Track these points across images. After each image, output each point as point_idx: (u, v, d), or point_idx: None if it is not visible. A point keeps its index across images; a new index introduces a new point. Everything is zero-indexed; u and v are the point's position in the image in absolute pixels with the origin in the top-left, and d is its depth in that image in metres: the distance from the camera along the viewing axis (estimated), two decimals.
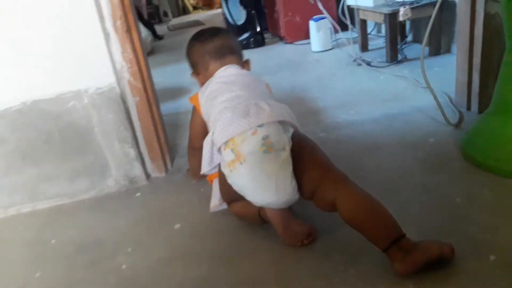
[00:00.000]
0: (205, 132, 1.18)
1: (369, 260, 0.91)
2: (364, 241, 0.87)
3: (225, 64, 1.22)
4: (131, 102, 1.37)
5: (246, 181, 0.98)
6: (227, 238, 1.10)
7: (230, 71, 1.20)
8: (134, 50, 1.33)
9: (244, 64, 1.28)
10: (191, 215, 1.22)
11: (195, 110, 1.23)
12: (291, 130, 1.04)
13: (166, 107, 2.07)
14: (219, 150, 1.05)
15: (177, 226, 1.19)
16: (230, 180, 1.01)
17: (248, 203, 1.04)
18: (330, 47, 2.93)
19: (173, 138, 1.74)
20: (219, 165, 1.09)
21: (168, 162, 1.51)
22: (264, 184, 0.96)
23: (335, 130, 1.62)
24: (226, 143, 1.02)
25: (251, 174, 0.97)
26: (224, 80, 1.18)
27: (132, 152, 1.39)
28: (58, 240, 1.22)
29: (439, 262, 0.84)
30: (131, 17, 1.31)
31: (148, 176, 1.46)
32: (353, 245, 0.96)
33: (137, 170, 1.42)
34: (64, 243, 1.21)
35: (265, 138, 0.98)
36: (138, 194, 1.39)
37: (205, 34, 1.26)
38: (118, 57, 1.31)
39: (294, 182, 0.96)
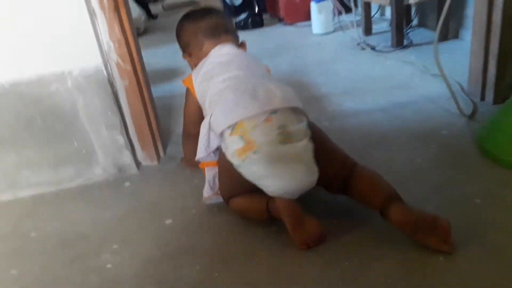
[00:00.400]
0: (200, 116, 1.09)
1: (381, 267, 0.83)
2: (377, 247, 0.79)
3: (220, 43, 1.12)
4: (120, 85, 1.26)
5: (263, 169, 0.90)
6: (223, 236, 1.01)
7: (226, 50, 1.11)
8: (123, 30, 1.21)
9: (240, 46, 1.18)
10: (184, 210, 1.13)
11: (189, 93, 1.13)
12: (305, 120, 0.96)
13: (159, 90, 1.95)
14: (221, 135, 0.95)
15: (168, 221, 1.09)
16: (243, 170, 0.92)
17: (252, 197, 0.96)
18: (332, 30, 2.81)
19: (166, 124, 1.64)
20: (220, 154, 0.99)
21: (161, 149, 1.41)
22: (283, 170, 0.89)
23: (340, 119, 1.52)
24: (232, 127, 0.92)
25: (268, 163, 0.89)
26: (220, 60, 1.08)
27: (120, 139, 1.28)
28: (39, 233, 1.13)
29: (433, 228, 0.82)
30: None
31: (138, 164, 1.36)
32: (364, 251, 0.87)
33: (127, 158, 1.32)
34: (44, 237, 1.11)
35: (281, 127, 0.90)
36: (127, 184, 1.29)
37: (197, 13, 1.17)
38: (105, 37, 1.20)
39: (315, 167, 0.91)
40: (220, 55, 1.10)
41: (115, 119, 1.26)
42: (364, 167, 0.97)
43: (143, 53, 1.37)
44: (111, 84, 1.24)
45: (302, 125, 0.93)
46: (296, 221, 0.90)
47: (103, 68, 1.20)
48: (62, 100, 1.21)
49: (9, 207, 1.26)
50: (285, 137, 0.89)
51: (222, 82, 1.02)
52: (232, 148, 0.92)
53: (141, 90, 1.30)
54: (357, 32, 2.48)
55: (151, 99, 1.37)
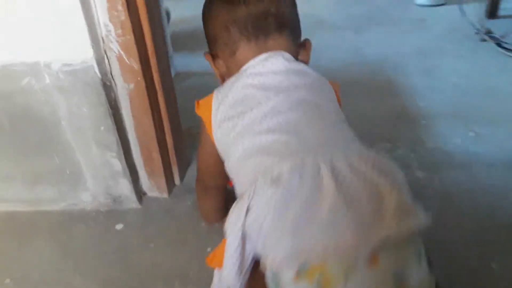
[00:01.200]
0: (223, 167, 0.67)
1: None
2: None
3: (266, 50, 0.67)
4: (122, 89, 0.85)
5: None
6: None
7: (274, 65, 0.66)
8: (131, 6, 0.78)
9: (300, 49, 0.72)
10: None
11: (204, 129, 0.70)
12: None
13: (188, 61, 1.53)
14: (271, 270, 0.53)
15: None
16: None
17: None
18: (443, 2, 2.16)
19: (191, 122, 1.21)
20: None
21: (176, 176, 1.02)
22: None
23: (442, 168, 1.02)
24: (301, 268, 0.49)
25: None
26: (263, 82, 0.64)
27: (116, 164, 0.90)
28: None
29: None
30: None
31: (142, 195, 0.98)
32: None
33: (124, 189, 0.94)
34: None
35: (399, 277, 0.47)
36: (119, 227, 0.92)
37: None
38: (102, 16, 0.78)
39: None
40: (264, 72, 0.65)
41: (109, 137, 0.87)
42: None
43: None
44: (107, 87, 0.83)
45: (425, 268, 0.49)
46: None
47: (95, 64, 0.79)
48: (37, 101, 0.84)
49: None
50: None
51: (262, 136, 0.59)
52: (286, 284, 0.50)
53: (154, 97, 0.89)
54: (475, 12, 1.83)
55: (171, 105, 0.95)
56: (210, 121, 0.67)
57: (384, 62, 1.57)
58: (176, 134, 0.98)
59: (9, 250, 0.89)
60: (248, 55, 0.68)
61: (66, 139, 0.88)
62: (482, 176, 0.99)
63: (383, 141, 1.13)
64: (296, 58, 0.71)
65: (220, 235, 0.60)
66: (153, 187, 0.98)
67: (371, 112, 1.26)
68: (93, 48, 0.78)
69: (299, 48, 0.73)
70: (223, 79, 0.73)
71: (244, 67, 0.68)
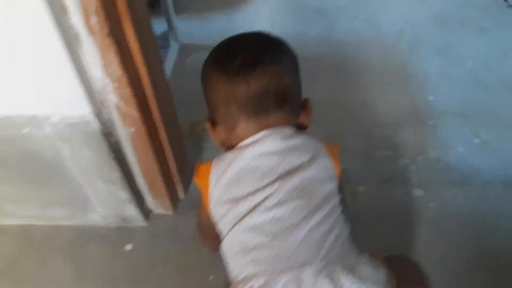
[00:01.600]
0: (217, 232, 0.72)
1: None
2: None
3: (266, 126, 0.66)
4: (123, 132, 0.85)
5: None
6: None
7: (272, 145, 0.66)
8: (127, 61, 0.74)
9: (301, 115, 0.71)
10: None
11: (201, 198, 0.72)
12: None
13: (193, 28, 1.46)
14: None
15: None
16: None
17: None
18: None
19: (195, 115, 1.18)
20: None
21: (180, 191, 1.06)
22: None
23: (440, 185, 1.04)
24: None
25: None
26: (257, 166, 0.65)
27: (122, 194, 0.94)
28: None
29: None
30: (123, 5, 0.69)
31: (148, 214, 1.03)
32: None
33: (132, 212, 0.99)
34: None
35: None
36: (128, 248, 0.99)
37: (238, 58, 0.65)
38: (97, 72, 0.74)
39: None
40: (262, 153, 0.65)
41: (113, 175, 0.89)
42: None
43: None
44: (107, 134, 0.83)
45: None
46: None
47: (92, 118, 0.78)
48: (40, 146, 0.84)
49: None
50: None
51: (249, 235, 0.62)
52: None
53: (156, 135, 0.89)
54: None
55: (173, 137, 0.95)
56: (207, 195, 0.69)
57: (399, 37, 1.48)
58: (179, 159, 0.99)
59: (30, 273, 0.97)
60: (247, 132, 0.67)
61: (72, 175, 0.90)
62: (478, 197, 1.02)
63: (385, 148, 1.13)
64: (296, 124, 0.70)
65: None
66: (158, 206, 1.02)
67: (378, 107, 1.23)
68: (89, 104, 0.76)
69: (299, 114, 0.71)
70: (223, 144, 0.73)
71: (243, 144, 0.67)
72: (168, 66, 1.40)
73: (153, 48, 0.81)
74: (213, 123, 0.71)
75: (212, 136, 0.72)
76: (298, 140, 0.67)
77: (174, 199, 1.03)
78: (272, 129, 0.66)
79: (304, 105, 0.72)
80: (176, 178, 1.01)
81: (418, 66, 1.36)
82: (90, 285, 0.93)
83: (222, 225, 0.67)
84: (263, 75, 0.64)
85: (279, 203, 0.63)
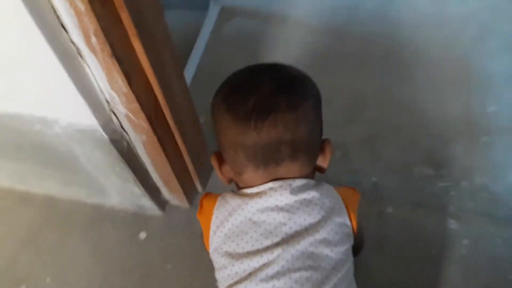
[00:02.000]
0: None
1: None
2: None
3: (276, 176, 0.60)
4: (134, 138, 0.81)
5: None
6: None
7: (279, 199, 0.59)
8: (135, 78, 0.67)
9: (319, 158, 0.64)
10: None
11: (202, 236, 0.69)
12: None
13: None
14: None
15: None
16: None
17: None
18: None
19: None
20: None
21: (198, 185, 1.03)
22: None
23: (480, 221, 0.93)
24: None
25: None
26: (262, 220, 0.60)
27: (137, 190, 0.92)
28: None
29: None
30: (129, 22, 0.60)
31: (164, 204, 1.02)
32: None
33: (147, 203, 0.98)
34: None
35: None
36: (143, 236, 1.00)
37: (250, 102, 0.56)
38: (103, 84, 0.69)
39: None
40: (268, 207, 0.59)
41: (125, 174, 0.86)
42: None
43: None
44: (117, 141, 0.79)
45: None
46: None
47: (100, 128, 0.74)
48: (52, 142, 0.82)
49: (22, 207, 1.07)
50: None
51: None
52: None
53: (170, 139, 0.84)
54: None
55: (191, 139, 0.89)
56: (207, 237, 0.65)
57: (466, 22, 1.25)
58: (197, 156, 0.94)
59: (49, 246, 1.01)
60: (255, 181, 0.61)
61: (86, 169, 0.89)
62: None
63: (425, 164, 1.01)
64: (312, 170, 0.63)
65: None
66: (174, 199, 1.00)
67: (428, 109, 1.09)
68: (95, 115, 0.71)
69: (317, 155, 0.63)
70: (230, 183, 0.67)
71: (250, 191, 0.61)
72: (206, 31, 1.29)
73: (170, 57, 0.72)
74: (220, 160, 0.65)
75: (217, 174, 0.66)
76: (310, 194, 0.60)
77: (190, 194, 1.00)
78: (282, 180, 0.59)
79: (323, 147, 0.63)
80: (194, 175, 0.98)
81: (482, 63, 1.16)
82: (103, 270, 0.96)
83: (219, 277, 0.63)
84: (277, 124, 0.56)
85: (279, 274, 0.57)
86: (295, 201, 0.59)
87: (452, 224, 0.93)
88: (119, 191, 0.95)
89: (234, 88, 0.60)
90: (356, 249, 0.85)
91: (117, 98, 0.70)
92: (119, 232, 1.01)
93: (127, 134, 0.80)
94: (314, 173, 0.66)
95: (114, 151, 0.79)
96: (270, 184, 0.59)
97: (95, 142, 0.78)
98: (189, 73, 1.20)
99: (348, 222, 0.63)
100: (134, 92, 0.68)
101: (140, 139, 0.80)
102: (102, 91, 0.70)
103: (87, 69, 0.66)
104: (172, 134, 0.84)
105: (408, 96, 1.12)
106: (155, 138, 0.79)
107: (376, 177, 1.00)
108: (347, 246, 0.63)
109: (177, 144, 0.87)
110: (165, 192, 0.99)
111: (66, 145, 0.82)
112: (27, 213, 1.05)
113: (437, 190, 0.98)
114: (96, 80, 0.68)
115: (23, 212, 1.06)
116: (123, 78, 0.65)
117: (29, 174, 1.01)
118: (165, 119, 0.80)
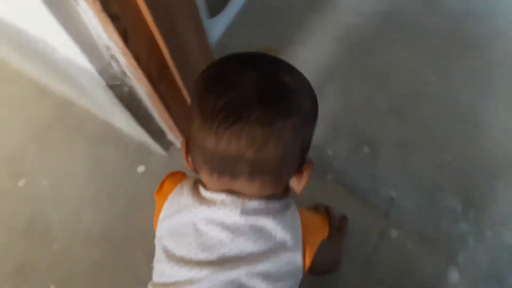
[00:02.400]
0: None
1: None
2: None
3: (230, 188, 0.53)
4: (136, 84, 0.74)
5: None
6: None
7: (228, 216, 0.53)
8: (130, 35, 0.58)
9: (294, 179, 0.55)
10: None
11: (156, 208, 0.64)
12: None
13: None
14: None
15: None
16: None
17: None
18: None
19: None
20: None
21: None
22: None
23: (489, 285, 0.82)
24: None
25: None
26: (204, 231, 0.54)
27: (140, 130, 0.88)
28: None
29: None
30: None
31: (168, 146, 0.98)
32: None
33: (150, 144, 0.94)
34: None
35: None
36: (141, 169, 0.98)
37: (220, 101, 0.47)
38: (101, 32, 0.60)
39: None
40: (214, 219, 0.53)
41: (127, 115, 0.81)
42: None
43: None
44: (116, 86, 0.72)
45: None
46: None
47: (97, 74, 0.67)
48: (58, 63, 0.77)
49: (39, 100, 1.07)
50: None
51: None
52: None
53: (174, 93, 0.76)
54: None
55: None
56: (157, 218, 0.61)
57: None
58: None
59: (55, 146, 1.03)
60: (209, 185, 0.55)
61: (93, 94, 0.84)
62: None
63: (455, 195, 0.88)
64: (280, 190, 0.55)
65: None
66: (179, 143, 0.96)
67: (482, 129, 0.92)
68: (90, 60, 0.65)
69: (291, 176, 0.55)
70: (195, 171, 0.59)
71: (204, 193, 0.55)
72: None
73: (184, 9, 0.61)
74: (188, 147, 0.56)
75: (184, 160, 0.58)
76: (262, 221, 0.53)
77: None
78: (237, 196, 0.52)
79: (301, 170, 0.54)
80: None
81: None
82: (95, 188, 0.97)
83: (154, 266, 0.60)
84: (240, 136, 0.47)
85: None
86: (244, 224, 0.52)
87: (454, 278, 0.82)
88: (125, 125, 0.91)
89: (213, 80, 0.50)
90: (319, 273, 0.79)
91: (115, 47, 0.62)
92: (119, 158, 1.00)
93: (130, 80, 0.73)
94: (287, 192, 0.57)
95: (112, 95, 0.73)
96: (223, 196, 0.53)
97: (93, 81, 0.72)
98: (234, 5, 1.05)
99: (300, 259, 0.56)
100: (130, 49, 0.60)
101: (142, 89, 0.73)
102: (100, 37, 0.62)
103: (82, 15, 0.57)
104: (180, 91, 0.76)
105: (462, 108, 0.94)
106: (155, 95, 0.71)
107: (396, 192, 0.89)
108: (291, 282, 0.56)
109: (185, 101, 0.79)
110: (170, 135, 0.94)
111: (69, 71, 0.77)
112: (42, 108, 1.06)
113: (456, 231, 0.85)
114: (93, 27, 0.59)
115: (39, 105, 1.06)
116: (117, 34, 0.57)
117: (49, 73, 0.98)
118: (173, 77, 0.71)
